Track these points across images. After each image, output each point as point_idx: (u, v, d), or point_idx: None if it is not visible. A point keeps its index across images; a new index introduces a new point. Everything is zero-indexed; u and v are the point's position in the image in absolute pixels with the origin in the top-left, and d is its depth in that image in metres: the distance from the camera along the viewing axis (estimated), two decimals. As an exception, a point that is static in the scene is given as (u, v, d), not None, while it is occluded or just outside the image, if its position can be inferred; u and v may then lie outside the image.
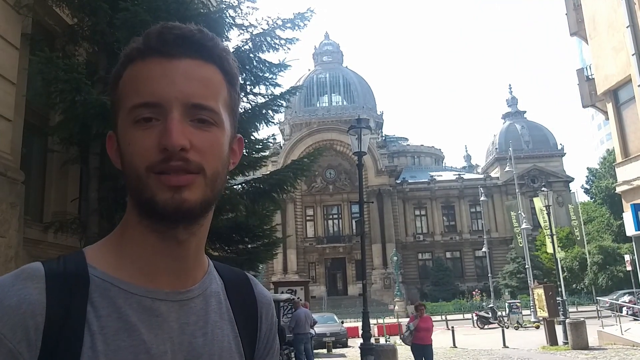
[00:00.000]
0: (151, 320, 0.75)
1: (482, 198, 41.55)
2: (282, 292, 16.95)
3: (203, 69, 0.77)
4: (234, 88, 0.82)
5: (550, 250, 31.34)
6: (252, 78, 8.19)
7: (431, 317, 11.43)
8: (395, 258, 43.85)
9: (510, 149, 37.83)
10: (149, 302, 0.75)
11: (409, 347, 10.72)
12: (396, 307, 39.58)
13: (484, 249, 40.85)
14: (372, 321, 18.49)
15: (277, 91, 8.46)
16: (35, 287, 0.70)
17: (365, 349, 10.71)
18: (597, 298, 25.31)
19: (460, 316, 36.27)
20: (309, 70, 66.50)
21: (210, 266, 0.88)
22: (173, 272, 0.79)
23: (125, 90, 0.77)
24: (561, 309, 18.38)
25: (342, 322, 26.34)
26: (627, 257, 28.30)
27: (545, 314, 18.33)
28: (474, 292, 45.56)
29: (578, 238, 36.54)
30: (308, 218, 56.09)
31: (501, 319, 27.49)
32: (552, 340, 17.55)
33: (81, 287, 0.73)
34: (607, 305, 23.41)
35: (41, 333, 0.67)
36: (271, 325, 0.94)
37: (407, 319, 11.39)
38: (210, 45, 0.79)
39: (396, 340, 22.27)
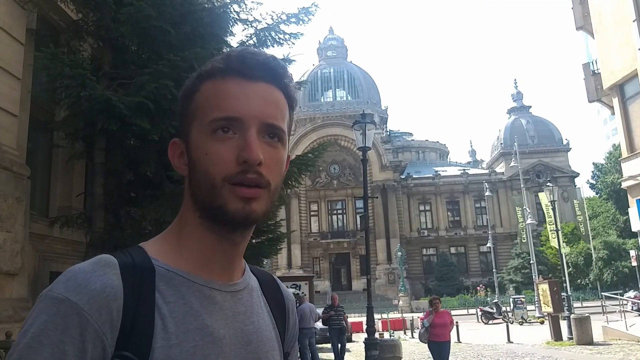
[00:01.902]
0: (211, 307, 0.83)
1: (486, 193, 41.49)
2: (287, 287, 16.96)
3: (275, 92, 0.86)
4: (292, 111, 0.91)
5: (555, 245, 31.31)
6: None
7: (448, 311, 10.55)
8: (399, 253, 43.88)
9: (515, 144, 37.66)
10: (207, 290, 0.84)
11: (426, 344, 9.85)
12: (400, 302, 39.65)
13: (488, 244, 40.84)
14: (377, 316, 18.55)
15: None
16: (114, 273, 0.77)
17: (370, 344, 10.72)
18: (602, 294, 25.23)
19: (464, 311, 36.26)
20: (313, 65, 66.37)
21: (246, 265, 0.97)
22: (224, 267, 0.87)
23: (203, 103, 0.84)
24: (566, 305, 18.35)
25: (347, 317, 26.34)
26: (632, 253, 28.22)
27: (550, 310, 18.28)
28: (478, 288, 45.57)
29: (583, 233, 36.43)
30: (312, 213, 56.15)
31: (505, 314, 27.48)
32: (557, 335, 17.53)
33: (149, 276, 0.80)
34: (627, 304, 22.90)
35: (121, 314, 0.74)
36: (295, 320, 1.05)
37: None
38: (281, 73, 0.87)
39: (400, 335, 22.34)
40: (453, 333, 18.74)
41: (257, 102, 0.82)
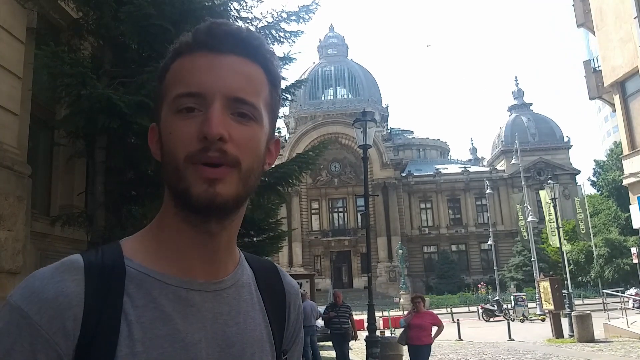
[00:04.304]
0: (186, 310, 0.77)
1: (487, 191, 41.46)
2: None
3: (247, 66, 0.79)
4: (276, 89, 0.84)
5: (553, 244, 31.30)
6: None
7: (433, 312, 9.73)
8: (400, 251, 43.82)
9: (516, 141, 37.58)
10: (183, 292, 0.78)
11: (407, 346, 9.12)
12: (401, 300, 39.62)
13: (489, 242, 40.85)
14: (378, 314, 18.51)
15: (282, 84, 8.42)
16: (73, 279, 0.72)
17: (371, 342, 10.74)
18: (604, 291, 25.23)
19: (465, 309, 36.27)
20: (314, 63, 66.32)
21: (242, 258, 0.90)
22: (206, 262, 0.81)
23: (171, 81, 0.79)
24: (567, 302, 18.36)
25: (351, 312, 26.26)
26: (633, 250, 28.23)
27: (551, 307, 18.30)
28: (479, 285, 45.58)
29: (583, 231, 36.41)
30: (313, 211, 56.15)
31: (507, 311, 27.48)
32: (558, 332, 17.53)
33: (118, 279, 0.75)
34: (628, 301, 22.69)
35: (80, 323, 0.70)
36: (298, 314, 0.97)
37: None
38: (256, 45, 0.80)
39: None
40: (454, 331, 18.97)
41: (224, 75, 0.76)
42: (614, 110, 17.20)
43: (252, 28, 8.05)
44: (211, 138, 0.72)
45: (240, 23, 8.06)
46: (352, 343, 12.12)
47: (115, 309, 0.73)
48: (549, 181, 25.37)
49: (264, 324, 0.87)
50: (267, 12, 8.04)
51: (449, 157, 72.10)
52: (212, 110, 0.74)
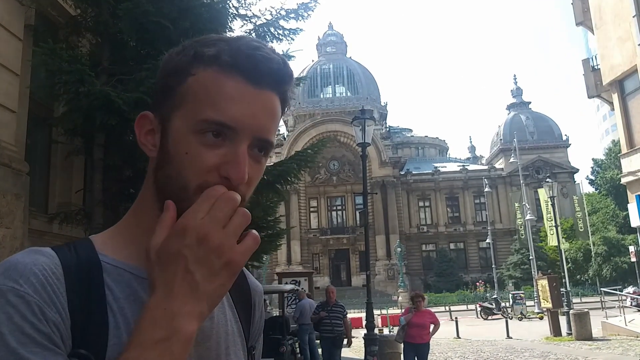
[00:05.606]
0: None
1: (486, 189, 41.47)
2: (286, 283, 17.02)
3: (275, 102, 0.79)
4: (282, 114, 0.84)
5: (552, 242, 31.35)
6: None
7: (432, 311, 9.62)
8: (399, 249, 43.89)
9: (514, 139, 37.64)
10: None
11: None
12: (400, 298, 39.69)
13: (488, 240, 40.89)
14: (376, 312, 18.56)
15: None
16: (55, 265, 0.71)
17: (369, 340, 10.75)
18: (601, 289, 25.26)
19: (464, 307, 36.36)
20: (313, 61, 66.25)
21: None
22: None
23: (196, 93, 0.75)
24: (565, 300, 18.39)
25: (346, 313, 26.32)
26: (631, 249, 28.35)
27: (549, 305, 18.34)
28: (477, 283, 45.65)
29: (582, 229, 36.46)
30: (312, 209, 56.16)
31: (505, 309, 27.54)
32: (556, 331, 17.57)
33: (96, 273, 0.75)
34: (626, 299, 22.70)
35: (67, 309, 0.69)
36: (262, 313, 1.00)
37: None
38: (287, 80, 0.80)
39: (400, 330, 22.35)
40: (453, 329, 19.01)
41: (256, 114, 0.75)
42: (613, 109, 17.22)
43: (251, 26, 8.05)
44: (235, 183, 0.73)
45: (238, 20, 8.05)
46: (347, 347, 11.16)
47: (101, 300, 0.73)
48: (548, 179, 25.36)
49: (234, 320, 0.89)
50: (266, 9, 8.04)
51: (448, 156, 72.14)
52: (240, 151, 0.74)
